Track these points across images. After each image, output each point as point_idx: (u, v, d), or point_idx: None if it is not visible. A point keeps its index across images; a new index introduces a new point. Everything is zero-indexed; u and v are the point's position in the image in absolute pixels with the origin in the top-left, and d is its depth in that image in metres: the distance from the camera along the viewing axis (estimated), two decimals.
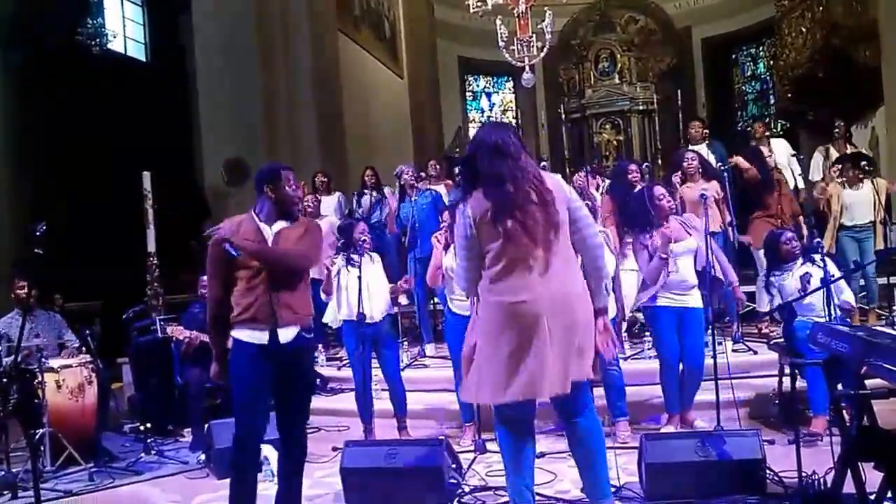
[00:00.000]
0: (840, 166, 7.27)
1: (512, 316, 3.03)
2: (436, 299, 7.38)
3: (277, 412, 3.52)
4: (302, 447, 3.56)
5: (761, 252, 6.40)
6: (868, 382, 3.10)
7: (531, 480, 3.24)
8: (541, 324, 3.00)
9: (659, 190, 4.90)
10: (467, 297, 3.25)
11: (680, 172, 6.81)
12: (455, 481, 4.10)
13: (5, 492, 4.60)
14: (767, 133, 8.62)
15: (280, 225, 3.49)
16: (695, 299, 4.83)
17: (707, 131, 8.35)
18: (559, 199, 3.10)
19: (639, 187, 6.01)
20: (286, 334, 3.40)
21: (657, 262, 4.69)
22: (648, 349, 6.04)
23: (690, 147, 8.03)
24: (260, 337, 3.39)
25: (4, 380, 4.92)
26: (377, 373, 5.40)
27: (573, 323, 3.04)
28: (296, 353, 3.45)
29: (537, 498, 3.78)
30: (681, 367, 4.85)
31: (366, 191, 8.36)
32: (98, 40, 9.26)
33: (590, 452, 3.17)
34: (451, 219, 4.69)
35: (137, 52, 11.10)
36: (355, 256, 5.09)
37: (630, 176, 6.61)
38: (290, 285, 3.43)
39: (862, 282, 7.07)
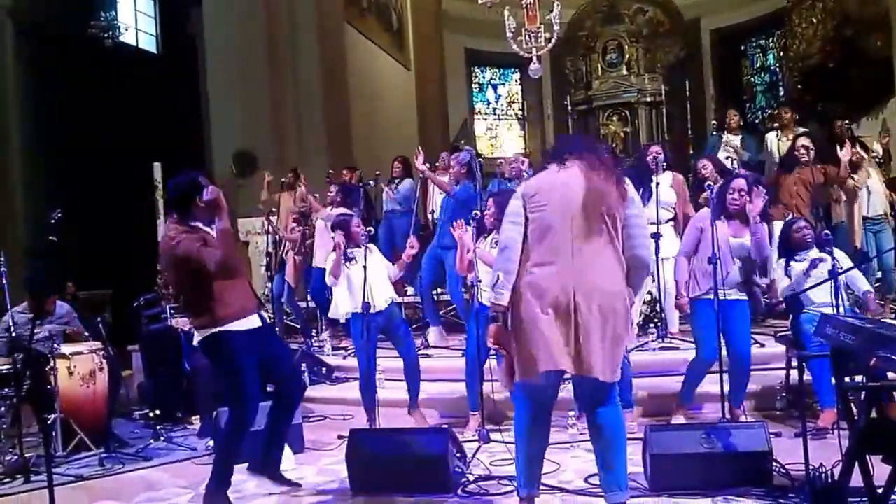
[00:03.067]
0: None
1: (548, 299, 3.08)
2: (440, 289, 7.41)
3: (271, 367, 4.06)
4: (298, 385, 4.26)
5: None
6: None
7: (540, 465, 3.30)
8: (578, 307, 3.05)
9: (738, 184, 4.73)
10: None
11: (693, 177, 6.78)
12: (459, 470, 4.12)
13: (18, 476, 4.66)
14: (796, 117, 8.51)
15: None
16: (737, 293, 4.71)
17: (741, 123, 8.34)
18: (620, 198, 3.16)
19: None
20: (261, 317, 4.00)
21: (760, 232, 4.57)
22: (653, 341, 6.06)
23: (726, 136, 8.04)
24: (250, 322, 3.89)
25: (17, 366, 4.97)
26: (382, 362, 5.41)
27: (610, 311, 3.09)
28: (265, 325, 4.08)
29: (541, 488, 3.83)
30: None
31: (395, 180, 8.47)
32: (110, 33, 9.32)
33: (610, 445, 3.19)
34: (495, 207, 4.73)
35: (149, 44, 11.15)
36: (356, 250, 5.11)
37: (650, 157, 6.54)
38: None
39: (879, 274, 7.04)
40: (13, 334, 5.36)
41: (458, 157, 6.88)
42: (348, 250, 5.13)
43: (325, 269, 6.38)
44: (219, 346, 3.82)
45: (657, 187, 6.15)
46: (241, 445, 3.96)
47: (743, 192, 4.65)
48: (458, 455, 4.20)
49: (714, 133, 9.32)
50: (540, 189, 3.21)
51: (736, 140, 8.07)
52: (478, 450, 4.54)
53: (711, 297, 4.52)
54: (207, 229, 3.81)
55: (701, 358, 4.73)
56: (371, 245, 5.36)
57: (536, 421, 3.26)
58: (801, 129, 8.22)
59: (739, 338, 4.69)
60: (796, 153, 6.73)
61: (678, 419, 4.80)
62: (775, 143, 7.97)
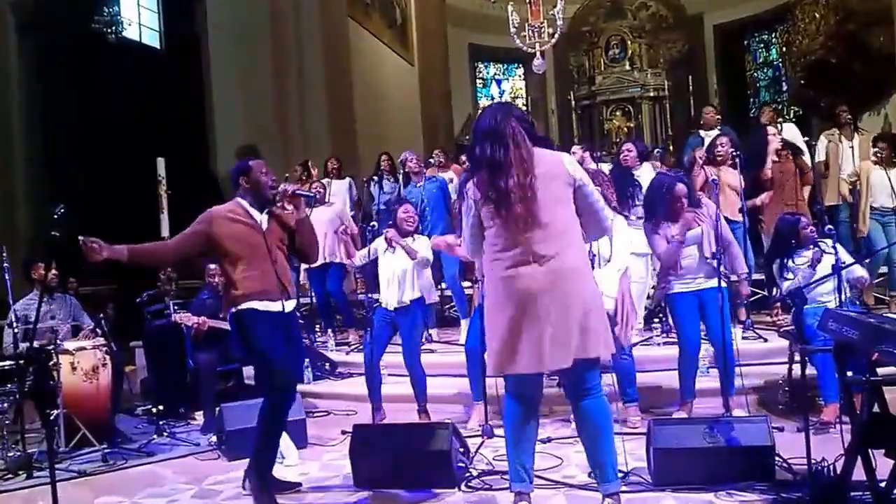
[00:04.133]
0: (880, 146, 7.20)
1: (508, 292, 3.11)
2: (443, 284, 7.43)
3: None
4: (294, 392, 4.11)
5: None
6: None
7: (530, 459, 3.28)
8: (536, 300, 3.06)
9: (681, 191, 4.81)
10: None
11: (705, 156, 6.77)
12: (463, 465, 4.12)
13: (21, 471, 4.66)
14: (780, 119, 8.54)
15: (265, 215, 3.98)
16: (711, 280, 4.78)
17: (720, 117, 8.31)
18: (558, 177, 3.14)
19: (653, 172, 6.03)
20: (289, 305, 3.98)
21: (674, 246, 4.70)
22: (657, 335, 6.06)
23: (703, 133, 8.02)
24: (277, 307, 3.90)
25: (21, 361, 4.98)
26: (386, 357, 5.42)
27: (571, 299, 3.07)
28: (291, 319, 4.04)
29: (544, 482, 3.83)
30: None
31: (374, 177, 8.49)
32: (113, 28, 9.31)
33: (594, 434, 3.18)
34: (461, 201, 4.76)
35: (152, 39, 11.13)
36: (407, 239, 5.20)
37: (622, 156, 6.56)
38: (283, 262, 4.00)
39: (884, 268, 7.04)
40: (16, 327, 5.35)
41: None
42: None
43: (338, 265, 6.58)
44: (241, 324, 3.87)
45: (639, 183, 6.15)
46: (278, 434, 3.97)
47: (684, 197, 4.77)
48: (462, 450, 4.20)
49: (692, 132, 9.29)
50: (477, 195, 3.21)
51: (713, 133, 8.00)
52: (481, 445, 4.55)
53: (683, 290, 4.72)
54: (248, 209, 3.95)
55: (684, 351, 4.83)
56: (420, 237, 5.41)
57: (521, 414, 3.25)
58: (785, 125, 8.27)
59: (716, 324, 4.75)
60: (715, 149, 6.70)
61: (681, 415, 4.81)
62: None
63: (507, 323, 3.11)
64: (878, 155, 7.04)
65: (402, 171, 7.65)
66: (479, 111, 3.57)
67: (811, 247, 4.94)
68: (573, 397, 3.24)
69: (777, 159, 7.04)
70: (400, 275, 5.21)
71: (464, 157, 7.16)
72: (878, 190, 6.96)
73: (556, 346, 3.04)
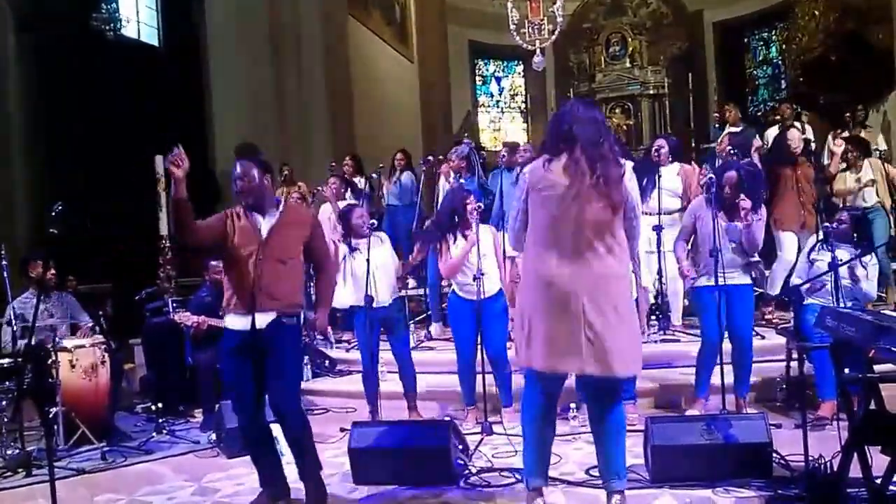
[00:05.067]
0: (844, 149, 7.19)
1: (547, 288, 3.11)
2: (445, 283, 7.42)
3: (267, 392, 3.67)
4: (291, 425, 3.66)
5: (781, 234, 6.39)
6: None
7: (549, 455, 3.35)
8: (575, 301, 3.06)
9: (731, 178, 4.77)
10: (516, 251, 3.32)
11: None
12: (462, 462, 4.13)
13: (20, 469, 4.66)
14: (795, 113, 8.54)
15: (268, 220, 3.66)
16: (740, 277, 4.78)
17: (740, 116, 8.35)
18: (622, 185, 3.16)
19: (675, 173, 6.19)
20: (262, 319, 3.55)
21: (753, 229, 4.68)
22: (655, 333, 6.06)
23: (729, 130, 8.06)
24: (243, 323, 3.57)
25: (19, 360, 4.98)
26: (384, 355, 5.42)
27: (611, 308, 3.09)
28: (273, 338, 3.56)
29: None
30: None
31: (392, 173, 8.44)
32: (112, 25, 9.27)
33: (611, 440, 3.23)
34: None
35: (151, 37, 11.09)
36: (359, 241, 5.11)
37: (653, 151, 6.53)
38: (276, 273, 3.59)
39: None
40: (15, 325, 5.35)
41: (457, 150, 6.91)
42: (353, 241, 5.13)
43: None
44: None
45: (659, 179, 6.18)
46: (257, 453, 3.77)
47: (733, 186, 4.73)
48: (461, 447, 4.21)
49: (716, 126, 9.32)
50: (543, 178, 3.18)
51: (734, 130, 8.04)
52: (480, 442, 4.56)
53: (713, 283, 4.59)
54: (240, 211, 3.69)
55: (706, 343, 4.78)
56: (382, 235, 5.38)
57: (545, 409, 3.30)
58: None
59: (742, 323, 4.77)
60: (789, 143, 6.67)
61: (693, 412, 4.79)
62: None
63: (544, 321, 3.11)
64: (847, 158, 7.02)
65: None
66: (569, 102, 3.51)
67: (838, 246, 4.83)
68: (593, 403, 3.30)
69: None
70: (384, 269, 5.17)
71: (453, 155, 7.03)
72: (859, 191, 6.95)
73: (591, 353, 3.07)
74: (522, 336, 3.21)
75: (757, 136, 8.00)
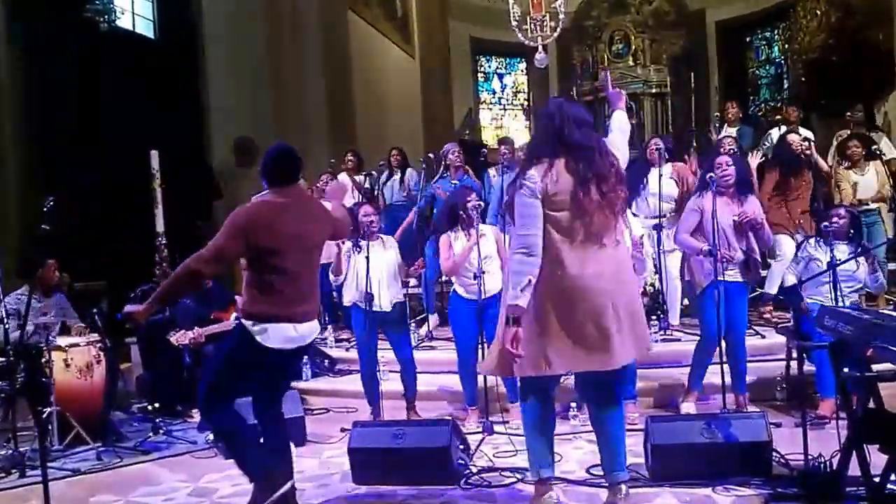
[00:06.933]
0: (847, 147, 7.16)
1: (571, 291, 3.12)
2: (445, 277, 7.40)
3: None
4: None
5: (779, 236, 6.36)
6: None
7: (552, 446, 3.40)
8: (605, 299, 3.11)
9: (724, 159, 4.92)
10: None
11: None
12: (463, 462, 4.11)
13: (13, 470, 4.61)
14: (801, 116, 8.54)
15: None
16: (735, 274, 4.81)
17: (741, 115, 8.35)
18: (621, 185, 3.26)
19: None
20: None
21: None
22: (655, 333, 6.03)
23: (726, 128, 8.04)
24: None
25: (12, 357, 4.94)
26: (384, 354, 5.40)
27: (631, 300, 3.23)
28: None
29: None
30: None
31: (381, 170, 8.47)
32: (106, 17, 9.14)
33: (612, 437, 3.29)
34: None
35: (146, 29, 10.98)
36: (362, 240, 5.08)
37: (648, 150, 6.55)
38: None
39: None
40: (7, 322, 5.30)
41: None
42: (359, 239, 5.09)
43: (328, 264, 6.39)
44: None
45: (659, 179, 6.19)
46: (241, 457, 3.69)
47: (729, 164, 4.82)
48: (462, 447, 4.19)
49: (717, 126, 9.29)
50: (552, 184, 3.16)
51: (732, 132, 8.04)
52: (481, 441, 4.55)
53: (713, 279, 4.66)
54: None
55: (706, 337, 4.82)
56: (389, 238, 5.35)
57: (545, 410, 3.35)
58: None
59: (739, 320, 4.84)
60: (790, 145, 6.64)
61: (689, 406, 4.86)
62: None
63: (571, 322, 3.13)
64: (850, 157, 6.99)
65: (443, 163, 7.47)
66: (550, 100, 3.53)
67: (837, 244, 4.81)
68: (593, 402, 3.36)
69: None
70: (388, 273, 5.14)
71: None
72: (860, 191, 6.92)
73: (621, 346, 3.14)
74: (535, 344, 3.14)
75: (751, 137, 7.96)
